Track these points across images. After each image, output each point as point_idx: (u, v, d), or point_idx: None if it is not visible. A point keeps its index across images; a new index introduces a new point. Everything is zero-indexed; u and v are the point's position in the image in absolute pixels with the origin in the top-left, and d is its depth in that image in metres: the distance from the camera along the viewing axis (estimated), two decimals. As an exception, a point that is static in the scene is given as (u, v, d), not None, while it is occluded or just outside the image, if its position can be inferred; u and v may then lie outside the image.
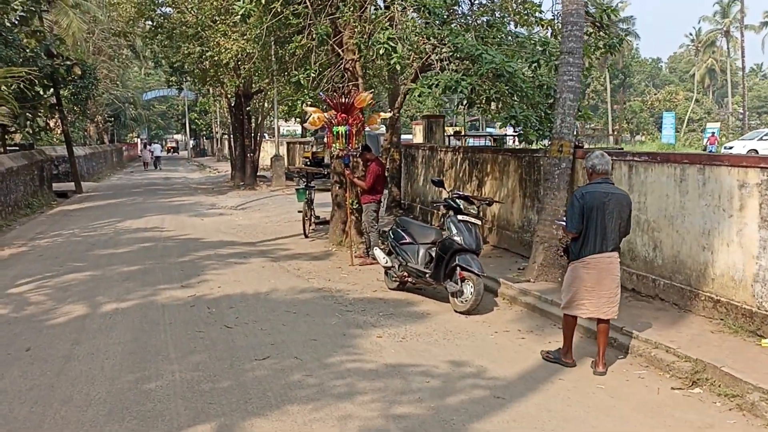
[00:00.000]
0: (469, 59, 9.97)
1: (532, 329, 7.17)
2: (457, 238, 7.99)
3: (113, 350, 6.34)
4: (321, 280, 9.56)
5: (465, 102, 10.80)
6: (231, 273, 10.02)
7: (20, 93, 21.55)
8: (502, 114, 10.30)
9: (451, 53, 10.28)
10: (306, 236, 13.53)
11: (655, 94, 78.42)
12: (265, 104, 30.23)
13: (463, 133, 27.27)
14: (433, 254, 8.41)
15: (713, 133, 45.87)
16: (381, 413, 4.91)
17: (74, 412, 4.95)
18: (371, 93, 10.67)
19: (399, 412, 4.93)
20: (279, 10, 11.18)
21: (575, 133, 9.41)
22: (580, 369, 5.97)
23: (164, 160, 56.54)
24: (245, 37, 17.56)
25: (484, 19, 12.02)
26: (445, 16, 10.87)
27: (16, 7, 22.59)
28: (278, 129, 30.71)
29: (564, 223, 6.29)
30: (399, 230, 9.13)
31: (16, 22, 22.71)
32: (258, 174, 28.85)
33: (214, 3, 18.42)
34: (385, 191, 12.99)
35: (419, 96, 10.03)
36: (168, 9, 23.75)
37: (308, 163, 25.79)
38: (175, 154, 75.16)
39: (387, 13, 10.84)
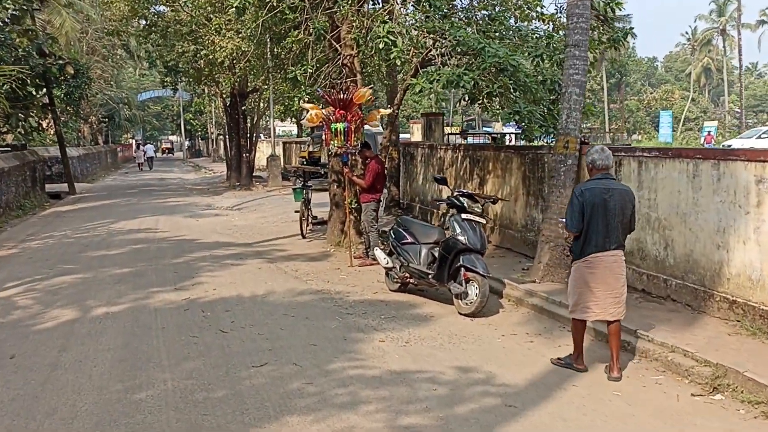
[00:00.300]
0: (472, 53, 9.68)
1: (540, 332, 6.89)
2: (461, 238, 7.70)
3: (102, 357, 6.03)
4: (320, 281, 9.26)
5: (466, 98, 10.52)
6: (227, 275, 9.71)
7: (12, 93, 21.22)
8: (505, 110, 10.00)
9: (452, 47, 9.98)
10: (303, 237, 13.23)
11: (651, 93, 78.35)
12: (261, 104, 29.92)
13: (469, 131, 26.84)
14: (436, 254, 8.12)
15: (709, 132, 45.71)
16: (386, 424, 4.61)
17: (59, 424, 4.65)
18: (370, 89, 10.36)
19: (405, 423, 4.63)
20: (274, 4, 10.89)
21: (581, 129, 9.12)
22: (593, 374, 5.68)
23: (159, 161, 56.25)
24: (240, 35, 17.32)
25: (485, 13, 11.75)
26: (445, 10, 10.58)
27: (7, 5, 22.26)
28: (274, 129, 30.37)
29: (564, 221, 6.01)
30: (400, 230, 8.83)
31: (8, 21, 22.36)
32: (254, 174, 28.52)
33: (209, -2, 18.10)
34: (385, 190, 12.69)
35: (420, 92, 9.75)
36: (162, 7, 23.45)
37: (305, 162, 25.48)
38: (171, 154, 74.64)
39: (386, 7, 10.56)
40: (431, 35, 10.46)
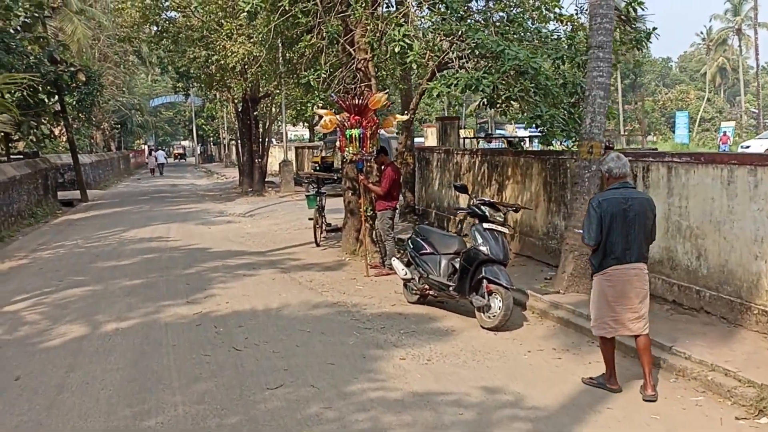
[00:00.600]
0: (490, 56, 9.37)
1: (567, 347, 6.56)
2: (482, 248, 7.39)
3: (111, 378, 5.76)
4: (335, 293, 8.97)
5: (485, 102, 10.20)
6: (240, 286, 9.45)
7: (23, 100, 21.16)
8: (525, 114, 9.67)
9: (470, 50, 9.68)
10: (317, 245, 12.95)
11: (666, 94, 77.58)
12: (273, 109, 29.74)
13: (493, 135, 26.29)
14: (457, 265, 7.81)
15: (725, 132, 45.02)
16: (411, 454, 4.32)
17: (63, 454, 4.39)
18: (386, 93, 10.06)
19: (432, 453, 4.34)
20: (287, 8, 10.63)
21: (605, 133, 8.78)
22: (627, 395, 5.35)
23: (172, 167, 56.33)
24: (251, 40, 17.11)
25: (502, 15, 11.44)
26: (461, 12, 10.29)
27: (18, 13, 22.21)
28: (286, 133, 30.17)
29: (581, 232, 5.70)
30: (418, 239, 8.52)
31: (19, 29, 22.31)
32: (266, 180, 28.32)
33: (219, 2, 17.91)
34: (401, 197, 12.40)
35: (437, 96, 9.44)
36: (173, 13, 23.33)
37: (317, 168, 25.27)
38: (183, 160, 74.68)
39: (402, 9, 10.28)
40: (448, 38, 10.17)
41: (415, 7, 10.28)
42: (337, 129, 9.88)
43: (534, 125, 9.36)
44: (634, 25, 11.44)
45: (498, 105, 10.06)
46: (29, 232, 16.72)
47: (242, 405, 5.12)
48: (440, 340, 6.80)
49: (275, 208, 20.34)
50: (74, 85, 24.11)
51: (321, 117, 10.01)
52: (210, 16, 20.33)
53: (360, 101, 9.54)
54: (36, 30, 23.48)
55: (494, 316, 7.18)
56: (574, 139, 9.84)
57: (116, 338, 6.97)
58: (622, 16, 10.85)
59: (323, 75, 10.68)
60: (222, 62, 19.06)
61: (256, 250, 12.75)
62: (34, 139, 23.63)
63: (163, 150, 61.72)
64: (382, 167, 10.54)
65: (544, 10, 11.56)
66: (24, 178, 19.11)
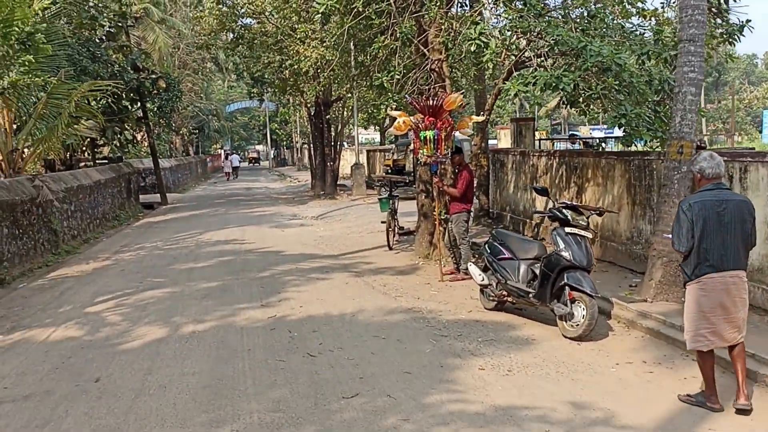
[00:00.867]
0: (571, 53, 8.97)
1: (659, 360, 6.13)
2: (565, 254, 7.04)
3: (187, 383, 5.75)
4: (409, 298, 8.77)
5: (563, 102, 9.79)
6: (313, 290, 9.39)
7: (108, 107, 21.99)
8: (609, 113, 9.21)
9: (549, 47, 9.31)
10: (390, 248, 12.81)
11: (752, 92, 73.81)
12: (345, 112, 29.91)
13: (578, 137, 25.45)
14: (537, 271, 7.47)
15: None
16: (495, 473, 4.07)
17: (140, 460, 4.36)
18: (461, 94, 9.80)
19: (517, 473, 4.07)
20: (360, 9, 10.54)
21: (696, 132, 8.25)
22: (730, 415, 4.91)
23: (246, 171, 57.62)
24: (324, 44, 17.18)
25: (580, 11, 10.99)
26: (539, 8, 9.92)
27: (103, 23, 23.13)
28: (358, 136, 30.27)
29: (670, 237, 5.27)
30: (496, 244, 8.21)
31: (104, 38, 23.21)
32: (338, 183, 28.47)
33: (294, 5, 18.07)
34: (474, 200, 12.10)
35: (515, 95, 9.12)
36: (249, 20, 23.78)
37: (389, 171, 25.21)
38: (257, 164, 76.31)
39: (476, 8, 10.02)
40: (525, 35, 9.83)
41: (492, 4, 9.98)
42: (411, 131, 9.69)
43: (618, 125, 8.88)
44: (725, 18, 10.78)
45: (579, 104, 9.65)
46: (113, 234, 17.31)
47: (317, 414, 4.98)
48: (521, 350, 6.50)
49: (347, 211, 20.36)
50: (155, 91, 24.89)
51: (394, 119, 9.82)
52: (284, 22, 20.60)
53: (434, 102, 9.32)
54: (120, 39, 24.42)
55: (577, 325, 6.81)
56: (661, 138, 9.32)
57: (193, 341, 7.00)
58: (713, 8, 10.23)
59: (397, 76, 10.53)
60: (295, 67, 19.23)
61: (328, 254, 12.72)
62: (118, 144, 24.58)
63: (237, 154, 63.28)
64: (457, 168, 10.28)
65: (626, 4, 11.06)
66: (108, 182, 19.84)
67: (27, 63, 13.57)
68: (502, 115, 56.36)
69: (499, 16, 10.49)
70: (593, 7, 10.67)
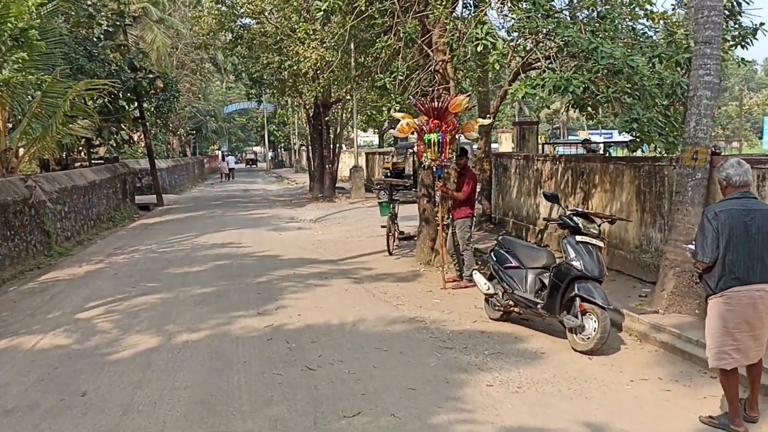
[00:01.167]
0: (581, 55, 8.69)
1: (675, 377, 5.83)
2: (575, 263, 6.74)
3: (179, 397, 5.42)
4: (411, 306, 8.46)
5: (571, 105, 9.49)
6: (311, 297, 9.07)
7: (104, 107, 21.68)
8: (619, 117, 8.93)
9: (558, 49, 9.03)
10: (390, 254, 12.50)
11: (751, 98, 73.75)
12: (344, 114, 29.63)
13: (591, 142, 25.08)
14: (545, 281, 7.17)
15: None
16: (509, 504, 3.76)
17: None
18: (467, 96, 9.50)
19: (533, 503, 3.77)
20: (363, 8, 10.25)
21: (711, 137, 7.97)
22: (756, 439, 4.62)
23: (244, 172, 57.32)
24: (324, 45, 16.90)
25: (588, 12, 10.71)
26: (547, 8, 9.63)
27: (101, 21, 22.82)
28: (357, 138, 29.97)
29: (692, 248, 4.98)
30: (502, 252, 7.90)
31: (101, 37, 22.89)
32: (337, 186, 28.16)
33: (294, 4, 17.80)
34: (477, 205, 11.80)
35: (523, 98, 8.84)
36: (248, 20, 23.50)
37: (388, 174, 24.92)
38: (254, 166, 75.92)
39: (482, 7, 9.73)
40: (533, 36, 9.54)
41: (498, 3, 9.69)
42: (414, 133, 9.39)
43: (629, 129, 8.60)
44: (738, 20, 10.51)
45: (587, 108, 9.36)
46: (107, 236, 16.99)
47: (317, 434, 4.68)
48: (530, 364, 6.20)
49: (346, 215, 20.05)
50: (152, 91, 24.60)
51: (397, 121, 9.52)
52: (284, 22, 20.33)
53: (439, 104, 9.02)
54: (117, 38, 24.11)
55: (589, 338, 6.51)
56: (672, 144, 9.05)
57: (186, 352, 6.67)
58: (726, 10, 9.95)
59: (400, 77, 10.24)
60: (294, 68, 18.96)
61: (327, 258, 12.41)
62: (114, 145, 24.26)
63: (234, 156, 63.07)
64: (462, 170, 9.96)
65: (634, 6, 10.76)
66: (103, 183, 19.51)
67: (21, 60, 13.27)
68: (501, 118, 56.12)
69: (506, 16, 10.19)
70: (603, 8, 10.40)
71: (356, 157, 28.05)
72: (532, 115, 55.72)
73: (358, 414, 5.00)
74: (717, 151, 8.08)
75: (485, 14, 9.95)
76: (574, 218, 7.05)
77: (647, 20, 11.36)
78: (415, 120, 9.24)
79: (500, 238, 8.40)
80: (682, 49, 9.19)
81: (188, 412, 5.12)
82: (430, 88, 10.44)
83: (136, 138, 30.21)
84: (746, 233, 4.62)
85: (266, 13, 21.80)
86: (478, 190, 12.02)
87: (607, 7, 10.50)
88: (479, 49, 9.01)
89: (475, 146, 15.21)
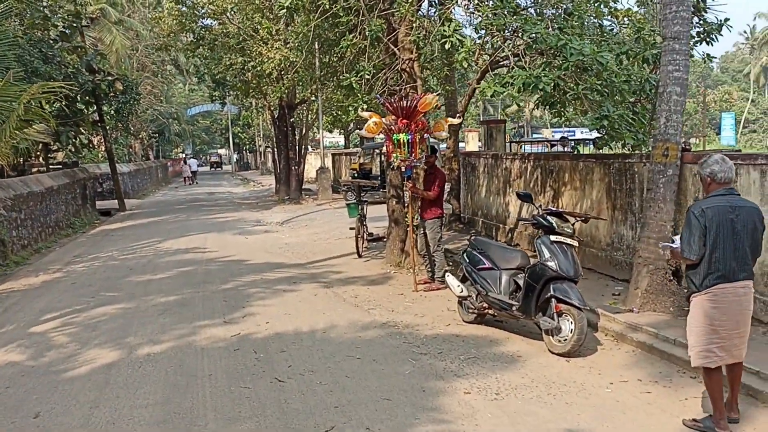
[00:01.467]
0: (550, 52, 8.57)
1: (655, 378, 5.71)
2: (550, 264, 6.60)
3: (139, 417, 5.10)
4: (383, 310, 8.24)
5: (541, 102, 9.37)
6: (280, 303, 8.79)
7: (61, 110, 21.01)
8: (589, 114, 8.83)
9: (526, 46, 8.91)
10: (360, 256, 12.27)
11: (708, 95, 75.37)
12: (309, 116, 29.29)
13: (568, 138, 25.01)
14: (520, 282, 7.02)
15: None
16: None
17: None
18: (437, 96, 9.31)
19: None
20: (327, 6, 10.00)
21: (682, 133, 7.91)
22: (741, 441, 4.51)
23: (209, 175, 56.46)
24: (288, 45, 16.61)
25: (554, 10, 10.63)
26: (514, 6, 9.50)
27: (57, 23, 22.13)
28: (323, 139, 29.65)
29: (673, 246, 4.91)
30: (475, 253, 7.72)
31: (57, 38, 22.19)
32: (303, 187, 27.81)
33: (256, 3, 17.46)
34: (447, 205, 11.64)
35: (492, 96, 8.69)
36: (209, 21, 23.06)
37: (356, 175, 24.67)
38: (219, 168, 74.79)
39: (449, 4, 9.55)
40: (501, 33, 9.41)
41: (465, 0, 9.53)
42: (383, 133, 9.17)
43: (600, 126, 8.50)
44: (702, 16, 10.53)
45: (556, 106, 9.25)
46: (66, 243, 16.42)
47: (288, 453, 4.42)
48: (507, 369, 6.02)
49: (313, 217, 19.75)
50: (112, 94, 23.94)
51: (365, 120, 9.28)
52: (246, 22, 19.97)
53: (408, 104, 8.81)
54: (74, 40, 23.38)
55: (565, 340, 6.37)
56: (642, 140, 8.99)
57: (147, 366, 6.33)
58: (691, 6, 9.94)
59: (366, 76, 10.00)
60: (258, 68, 18.63)
61: (295, 262, 12.12)
62: (73, 149, 23.52)
63: (197, 159, 62.23)
64: (431, 169, 9.75)
65: (601, 5, 10.70)
66: (62, 188, 18.88)
67: (-32, 63, 12.70)
68: (467, 117, 56.26)
69: (472, 13, 10.03)
70: (569, 5, 10.32)
71: (322, 158, 27.73)
72: (502, 113, 56.03)
73: (332, 429, 4.74)
74: (687, 147, 8.05)
75: (452, 12, 9.79)
76: (548, 217, 6.90)
77: (611, 18, 11.37)
78: (384, 119, 9.02)
79: (472, 238, 8.22)
80: (650, 45, 9.14)
81: (149, 432, 4.82)
82: (397, 87, 10.23)
83: (96, 142, 29.43)
84: (732, 230, 4.54)
85: (228, 14, 21.43)
86: (447, 189, 11.90)
87: (572, 3, 10.44)
88: (447, 46, 8.85)
89: (443, 146, 15.04)
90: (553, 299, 6.50)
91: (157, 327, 7.76)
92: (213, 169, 74.42)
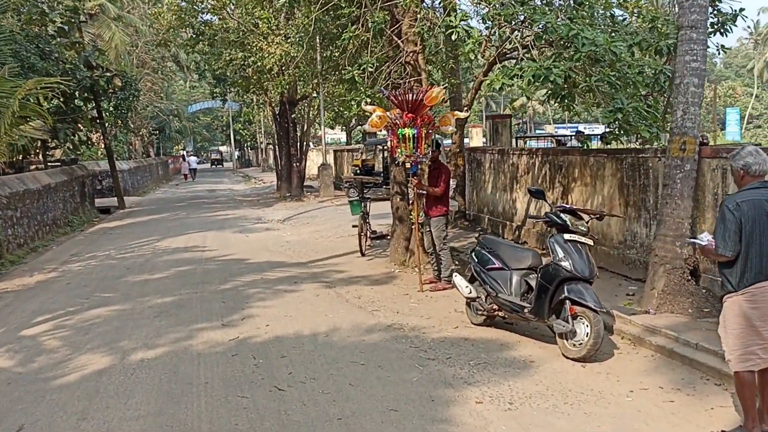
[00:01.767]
0: (560, 43, 8.23)
1: (678, 386, 5.38)
2: (564, 264, 6.27)
3: (129, 430, 4.79)
4: (388, 312, 7.92)
5: (551, 95, 9.02)
6: (280, 305, 8.47)
7: (59, 107, 20.71)
8: (602, 107, 8.50)
9: (535, 37, 8.57)
10: (362, 254, 11.94)
11: (712, 90, 74.92)
12: (311, 112, 28.96)
13: (585, 134, 24.50)
14: (532, 283, 6.70)
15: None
16: None
17: None
18: (443, 89, 8.97)
19: None
20: (329, -3, 9.68)
21: (700, 126, 7.57)
22: (775, 455, 4.18)
23: (209, 172, 56.19)
24: (288, 40, 16.28)
25: (562, 0, 10.29)
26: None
27: (54, 19, 21.81)
28: (324, 136, 29.32)
29: (697, 242, 4.62)
30: (484, 252, 7.39)
31: (54, 34, 21.88)
32: (305, 184, 27.48)
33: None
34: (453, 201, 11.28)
35: (500, 89, 8.36)
36: (209, 16, 22.76)
37: (358, 171, 24.37)
38: (219, 165, 74.35)
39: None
40: (509, 24, 9.07)
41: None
42: (388, 128, 8.83)
43: (613, 120, 8.17)
44: (717, 6, 10.18)
45: (566, 99, 8.91)
46: (64, 241, 16.14)
47: (288, 470, 4.10)
48: (519, 375, 5.70)
49: (315, 214, 19.44)
50: (111, 90, 23.63)
51: (369, 115, 8.94)
52: (246, 17, 19.65)
53: (413, 97, 8.46)
54: (72, 36, 23.06)
55: (581, 344, 6.05)
56: (656, 134, 8.67)
57: (140, 373, 6.02)
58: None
59: (369, 69, 9.67)
60: (259, 64, 18.31)
61: (296, 261, 11.81)
62: (71, 147, 23.23)
63: (196, 156, 62.05)
64: (437, 164, 9.41)
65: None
66: (59, 186, 18.58)
67: (-36, 58, 12.40)
68: (471, 112, 55.93)
69: (479, 3, 9.69)
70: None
71: (324, 154, 27.40)
72: (510, 107, 55.49)
73: (335, 444, 4.44)
74: (705, 141, 7.70)
75: (457, 2, 9.47)
76: (562, 215, 6.58)
77: (620, 9, 11.05)
78: (388, 113, 8.68)
79: (481, 237, 7.89)
80: (664, 35, 8.79)
81: (140, 447, 4.51)
82: (401, 81, 9.90)
83: (95, 139, 29.12)
84: None
85: (228, 9, 21.12)
86: (453, 186, 11.56)
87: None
88: (453, 37, 8.51)
89: (447, 141, 14.70)
90: (567, 301, 6.17)
91: (152, 330, 7.44)
92: (214, 166, 74.04)
